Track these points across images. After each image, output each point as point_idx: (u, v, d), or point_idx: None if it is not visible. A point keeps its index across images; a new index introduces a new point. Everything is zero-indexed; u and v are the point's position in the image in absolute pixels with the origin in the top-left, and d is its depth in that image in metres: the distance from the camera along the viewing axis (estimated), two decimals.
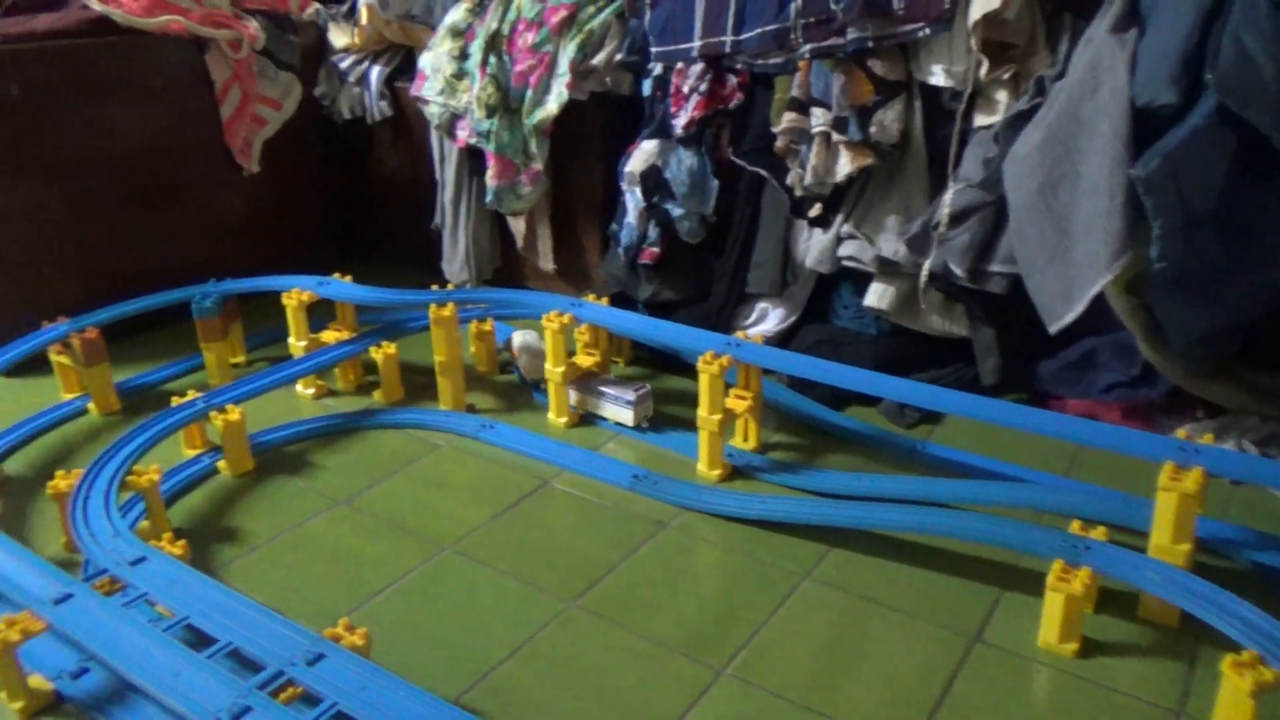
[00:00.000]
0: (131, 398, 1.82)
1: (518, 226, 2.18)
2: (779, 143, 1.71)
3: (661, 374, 1.91)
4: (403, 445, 1.67)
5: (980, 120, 1.60)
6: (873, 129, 1.61)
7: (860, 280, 1.77)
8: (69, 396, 1.81)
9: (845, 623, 1.23)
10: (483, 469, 1.60)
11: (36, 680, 1.11)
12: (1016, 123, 1.51)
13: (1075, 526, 1.23)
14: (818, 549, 1.37)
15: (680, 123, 1.79)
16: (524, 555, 1.37)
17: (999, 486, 1.44)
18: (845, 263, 1.74)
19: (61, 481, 1.34)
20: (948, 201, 1.59)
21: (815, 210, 1.74)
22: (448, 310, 1.71)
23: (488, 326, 1.90)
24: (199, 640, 1.05)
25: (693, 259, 1.91)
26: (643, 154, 1.84)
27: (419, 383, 1.87)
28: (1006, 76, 1.55)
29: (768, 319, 1.85)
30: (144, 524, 1.39)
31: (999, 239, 1.57)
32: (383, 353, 1.79)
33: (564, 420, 1.72)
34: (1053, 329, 1.46)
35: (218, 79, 2.12)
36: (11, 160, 1.86)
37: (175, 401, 1.56)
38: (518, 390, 1.86)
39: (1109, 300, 1.47)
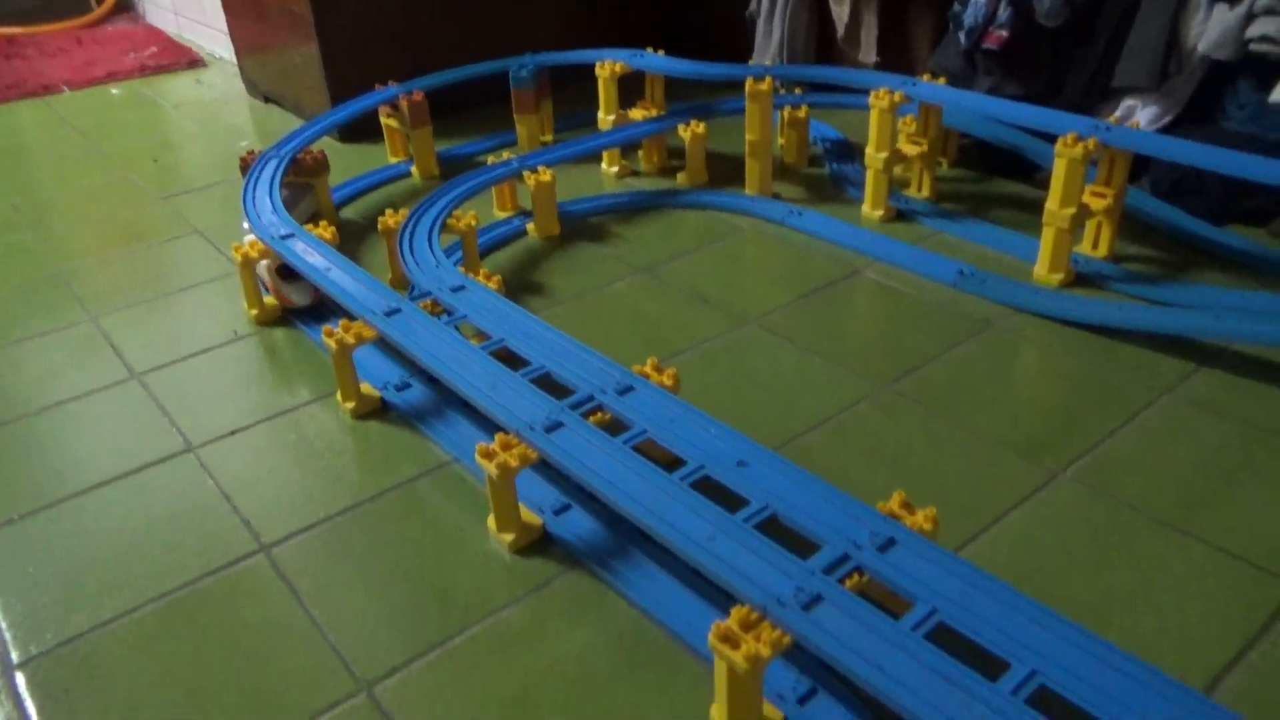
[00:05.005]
0: (449, 166, 1.88)
1: (840, 13, 1.99)
2: None
3: (993, 179, 1.70)
4: (705, 224, 1.60)
5: None
6: None
7: (1267, 72, 1.44)
8: (395, 160, 1.90)
9: (1221, 446, 1.03)
10: (788, 253, 1.50)
11: (367, 388, 1.18)
12: None
13: None
14: (1182, 366, 1.16)
15: None
16: (832, 337, 1.27)
17: None
18: (1253, 47, 1.42)
19: (390, 219, 1.39)
20: None
21: None
22: (765, 84, 1.59)
23: (801, 114, 1.76)
24: (513, 363, 1.05)
25: (1046, 47, 1.64)
26: None
27: (724, 170, 1.78)
28: None
29: (1135, 117, 1.57)
30: (459, 268, 1.42)
31: None
32: (690, 131, 1.70)
33: (879, 214, 1.57)
34: None
35: None
36: None
37: (491, 161, 1.58)
38: (827, 183, 1.73)
39: None
